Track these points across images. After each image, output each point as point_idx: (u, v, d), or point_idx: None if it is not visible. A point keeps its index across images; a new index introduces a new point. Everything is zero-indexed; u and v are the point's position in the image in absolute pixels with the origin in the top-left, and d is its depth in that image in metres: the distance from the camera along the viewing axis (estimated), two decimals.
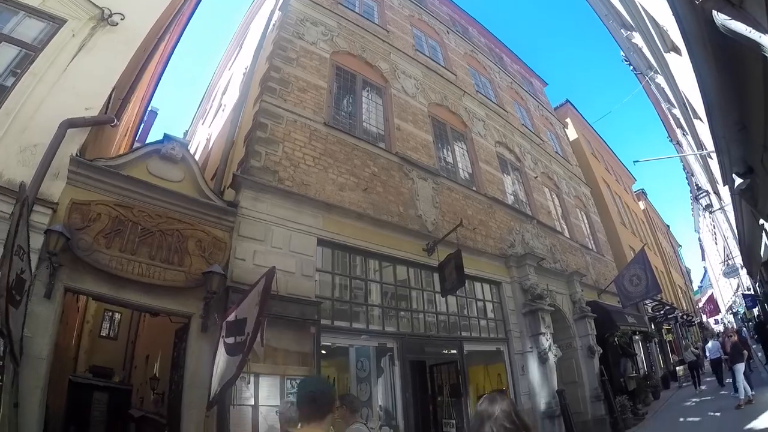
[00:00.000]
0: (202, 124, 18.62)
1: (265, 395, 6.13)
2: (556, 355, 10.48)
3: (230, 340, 5.11)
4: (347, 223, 8.22)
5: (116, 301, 6.16)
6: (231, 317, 5.33)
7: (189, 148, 7.53)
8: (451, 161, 12.43)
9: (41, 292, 5.24)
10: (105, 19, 7.16)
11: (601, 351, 12.78)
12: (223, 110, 13.65)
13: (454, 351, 9.24)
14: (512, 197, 13.96)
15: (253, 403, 6.04)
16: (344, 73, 10.66)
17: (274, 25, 10.21)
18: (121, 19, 7.22)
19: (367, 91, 11.01)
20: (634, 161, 30.01)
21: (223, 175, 7.85)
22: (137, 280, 5.81)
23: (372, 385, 8.33)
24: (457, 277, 8.18)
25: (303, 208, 7.71)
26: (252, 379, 6.11)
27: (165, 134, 6.75)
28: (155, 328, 10.41)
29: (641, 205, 35.01)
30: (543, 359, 10.28)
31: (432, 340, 9.10)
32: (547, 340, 10.45)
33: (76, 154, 5.92)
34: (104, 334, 14.85)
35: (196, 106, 19.66)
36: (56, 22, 6.97)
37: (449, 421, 8.45)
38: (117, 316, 14.96)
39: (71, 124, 5.87)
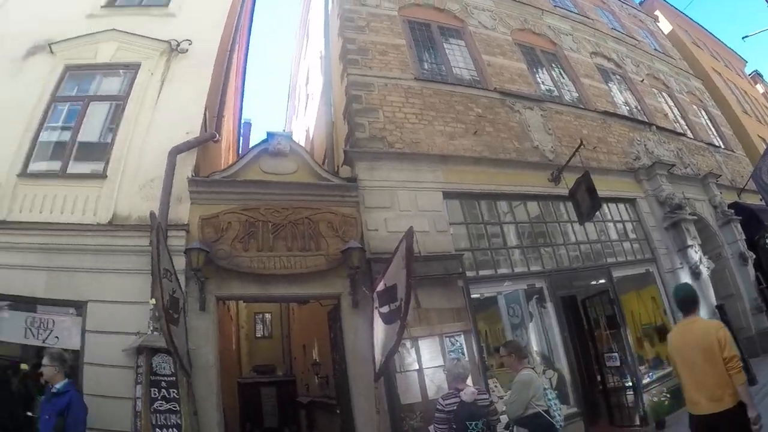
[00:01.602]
0: (296, 119, 18.79)
1: (428, 357, 6.02)
2: (708, 268, 9.27)
3: (384, 309, 5.01)
4: (466, 170, 7.72)
5: (266, 298, 6.42)
6: (380, 287, 5.19)
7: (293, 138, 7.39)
8: (551, 84, 11.29)
9: (195, 306, 5.49)
10: (174, 49, 7.33)
11: (754, 256, 11.18)
12: (312, 99, 13.56)
13: (603, 280, 8.51)
14: (624, 107, 12.47)
15: (417, 367, 5.95)
16: (417, 25, 9.98)
17: (333, 1, 9.87)
18: (189, 45, 7.37)
19: (446, 36, 10.28)
20: (743, 37, 25.64)
21: (332, 156, 7.85)
22: (281, 273, 5.85)
23: (526, 331, 7.87)
24: (590, 200, 7.36)
25: (419, 165, 7.32)
26: (412, 343, 5.98)
27: (267, 132, 6.70)
28: (306, 318, 10.77)
29: (759, 88, 30.22)
30: (695, 274, 9.03)
31: (579, 273, 8.41)
32: (696, 252, 9.24)
33: (192, 175, 6.05)
34: (259, 335, 15.95)
35: (285, 107, 19.82)
36: (132, 68, 7.23)
37: (611, 355, 7.78)
38: (267, 316, 15.85)
39: (178, 150, 6.04)
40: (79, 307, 5.64)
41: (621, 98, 12.69)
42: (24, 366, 5.97)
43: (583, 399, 7.09)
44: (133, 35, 7.56)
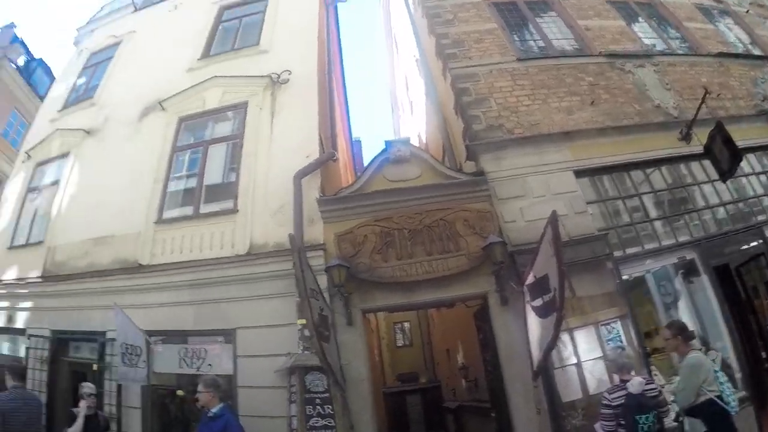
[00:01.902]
0: (404, 129, 18.94)
1: (585, 349, 5.69)
2: None
3: (537, 303, 4.80)
4: (592, 143, 7.23)
5: (411, 306, 6.52)
6: (529, 279, 4.97)
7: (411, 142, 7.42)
8: (655, 36, 10.38)
9: (343, 321, 5.64)
10: (276, 81, 7.72)
11: None
12: (416, 104, 13.71)
13: (756, 242, 7.45)
14: (737, 45, 11.19)
15: (575, 360, 5.64)
16: (503, 5, 9.66)
17: (414, 3, 9.97)
18: (289, 74, 7.75)
19: (535, 10, 9.87)
20: None
21: (452, 153, 7.74)
22: (423, 279, 5.79)
23: (677, 310, 7.14)
24: (729, 153, 6.57)
25: (544, 147, 6.98)
26: (567, 335, 5.64)
27: (385, 141, 6.78)
28: (447, 322, 10.75)
29: None
30: None
31: (729, 237, 7.45)
32: None
33: (320, 196, 6.26)
34: (400, 345, 16.01)
35: (390, 121, 20.11)
36: (240, 108, 7.72)
37: None
38: (406, 325, 15.89)
39: (302, 173, 6.28)
40: (228, 334, 6.05)
41: (731, 36, 11.45)
42: (180, 392, 6.45)
43: (750, 380, 6.33)
44: (234, 77, 8.14)
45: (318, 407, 4.99)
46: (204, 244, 6.57)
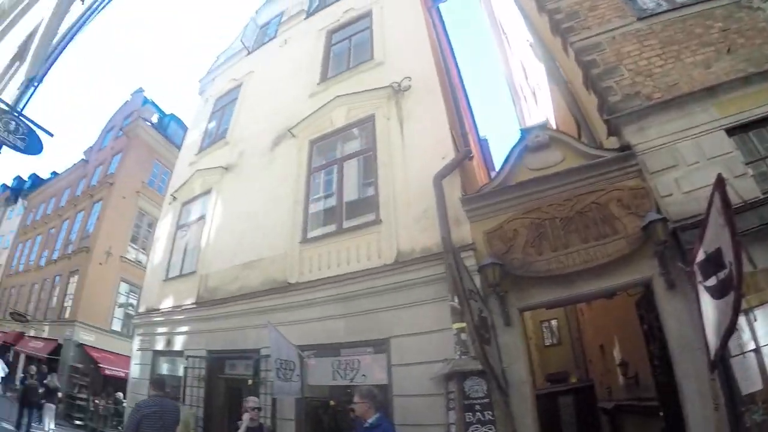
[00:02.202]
0: (530, 117, 18.52)
1: (764, 333, 4.89)
2: None
3: (711, 282, 4.19)
4: (738, 96, 6.40)
5: (570, 300, 6.14)
6: (699, 256, 4.38)
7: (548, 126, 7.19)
8: None
9: (500, 322, 5.47)
10: (398, 90, 7.85)
11: None
12: (538, 89, 13.32)
13: None
14: None
15: (753, 346, 4.86)
16: None
17: None
18: (410, 81, 7.84)
19: None
20: None
21: (588, 132, 7.32)
22: (581, 269, 5.42)
23: None
24: None
25: (687, 108, 6.35)
26: (743, 317, 4.84)
27: (521, 130, 6.61)
28: (600, 316, 10.27)
29: None
30: None
31: None
32: None
33: (462, 195, 6.17)
34: (548, 344, 15.72)
35: (513, 114, 19.58)
36: (368, 121, 7.97)
37: None
38: (554, 323, 15.54)
39: (441, 175, 6.23)
40: (381, 344, 6.12)
41: None
42: (332, 403, 6.71)
43: None
44: (356, 94, 8.47)
45: (478, 413, 4.77)
46: (350, 257, 6.80)
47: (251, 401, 5.83)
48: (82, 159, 31.26)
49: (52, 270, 26.19)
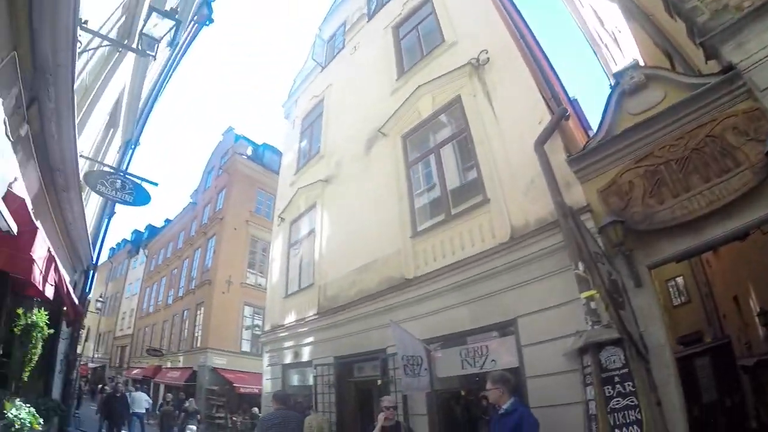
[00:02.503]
0: (615, 65, 17.39)
1: None
2: None
3: None
4: None
5: (701, 248, 5.42)
6: None
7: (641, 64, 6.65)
8: None
9: (630, 284, 5.10)
10: (478, 65, 7.74)
11: None
12: (618, 32, 12.49)
13: None
14: None
15: None
16: None
17: None
18: (487, 53, 7.70)
19: None
20: None
21: (685, 64, 6.69)
22: (708, 212, 4.91)
23: None
24: None
25: None
26: None
27: (614, 74, 6.16)
28: (731, 265, 9.72)
29: None
30: None
31: None
32: None
33: (567, 157, 5.89)
34: (676, 303, 14.87)
35: (599, 66, 18.56)
36: (455, 103, 7.95)
37: None
38: (679, 280, 14.65)
39: (541, 141, 6.00)
40: (508, 326, 5.98)
41: None
42: (463, 392, 6.66)
43: None
44: (436, 80, 8.49)
45: (618, 386, 4.45)
46: (464, 242, 6.79)
47: (386, 400, 5.88)
48: (191, 202, 34.38)
49: (180, 306, 28.87)
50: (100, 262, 43.96)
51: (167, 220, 39.59)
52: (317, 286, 10.28)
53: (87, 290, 12.53)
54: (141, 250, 41.78)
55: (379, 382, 7.80)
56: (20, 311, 5.64)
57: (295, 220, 12.56)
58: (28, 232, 4.26)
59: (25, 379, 5.91)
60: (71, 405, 12.38)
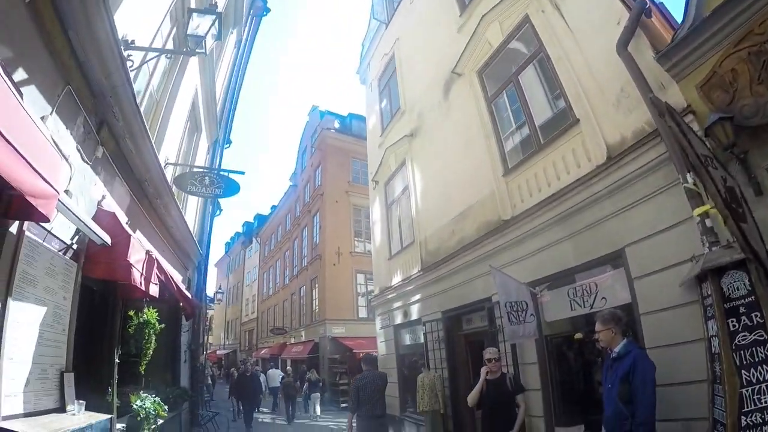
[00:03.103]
0: None
1: None
2: None
3: None
4: None
5: None
6: None
7: None
8: None
9: (749, 193, 4.36)
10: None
11: None
12: None
13: None
14: None
15: None
16: None
17: None
18: None
19: None
20: None
21: None
22: None
23: None
24: None
25: None
26: None
27: None
28: None
29: None
30: None
31: None
32: None
33: (656, 54, 5.25)
34: None
35: None
36: (524, 24, 7.57)
37: None
38: None
39: (624, 42, 5.50)
40: (616, 257, 5.55)
41: None
42: (578, 336, 6.26)
43: None
44: (499, 5, 8.06)
45: (743, 318, 3.80)
46: (558, 171, 6.50)
47: (488, 352, 5.88)
48: (291, 185, 36.45)
49: (296, 284, 30.98)
50: (217, 258, 48.35)
51: (273, 207, 42.34)
52: (418, 242, 10.50)
53: (202, 285, 13.90)
54: (254, 239, 45.27)
55: (488, 332, 7.85)
56: (131, 312, 6.39)
57: (389, 180, 12.88)
58: (122, 241, 4.77)
59: (143, 372, 6.67)
60: (200, 390, 13.75)
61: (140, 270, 5.01)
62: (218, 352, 48.63)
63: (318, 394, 18.15)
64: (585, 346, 6.31)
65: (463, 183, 8.82)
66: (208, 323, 28.31)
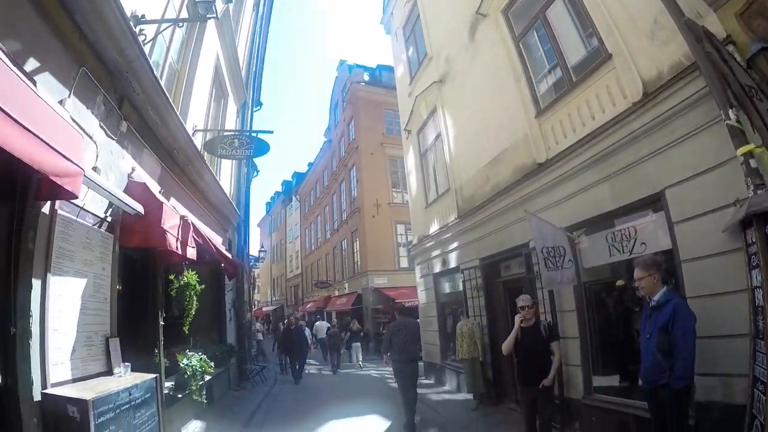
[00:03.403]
0: None
1: None
2: None
3: None
4: None
5: None
6: None
7: None
8: None
9: None
10: None
11: None
12: None
13: None
14: None
15: None
16: None
17: None
18: None
19: None
20: None
21: None
22: None
23: None
24: None
25: None
26: None
27: None
28: None
29: None
30: None
31: None
32: None
33: None
34: None
35: None
36: None
37: None
38: None
39: None
40: (656, 200, 5.28)
41: None
42: (619, 283, 6.09)
43: None
44: None
45: None
46: (593, 111, 6.18)
47: (521, 300, 5.74)
48: (326, 141, 36.52)
49: (337, 237, 31.51)
50: (259, 219, 49.45)
51: (310, 164, 42.58)
52: (453, 189, 10.44)
53: (243, 245, 14.22)
54: (293, 197, 45.86)
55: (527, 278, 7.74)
56: (171, 276, 6.60)
57: (421, 128, 12.73)
58: (155, 209, 4.91)
59: (187, 332, 6.91)
60: (247, 346, 14.16)
61: (175, 235, 5.17)
62: (264, 309, 50.29)
63: (359, 344, 18.81)
64: (624, 294, 6.15)
65: (495, 127, 8.58)
66: (253, 282, 29.26)
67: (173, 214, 5.39)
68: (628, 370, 5.96)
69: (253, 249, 26.39)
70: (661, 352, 3.89)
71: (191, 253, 5.67)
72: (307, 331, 19.10)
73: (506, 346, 5.73)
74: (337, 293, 30.95)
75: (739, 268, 4.04)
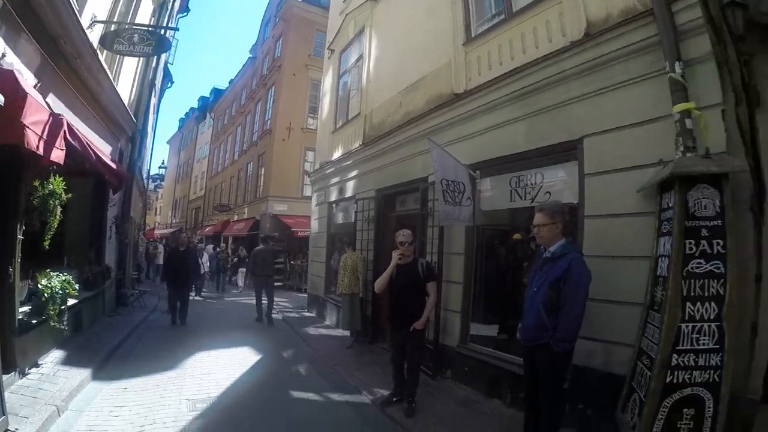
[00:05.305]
0: None
1: None
2: None
3: None
4: None
5: None
6: None
7: None
8: None
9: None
10: None
11: None
12: None
13: None
14: None
15: None
16: None
17: None
18: None
19: None
20: None
21: None
22: None
23: None
24: None
25: None
26: None
27: None
28: None
29: None
30: None
31: None
32: None
33: None
34: None
35: None
36: None
37: None
38: None
39: None
40: (572, 148, 4.75)
41: None
42: (517, 236, 5.81)
43: None
44: None
45: (704, 242, 3.21)
46: (526, 44, 5.47)
47: (400, 235, 5.15)
48: (250, 57, 33.43)
49: (244, 160, 29.70)
50: (170, 135, 45.45)
51: (231, 81, 39.04)
52: (363, 114, 9.56)
53: (137, 156, 12.42)
54: (208, 115, 42.18)
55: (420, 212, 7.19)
56: (36, 183, 5.27)
57: (345, 49, 11.61)
58: (17, 101, 4.01)
59: (46, 248, 5.59)
60: (127, 268, 12.67)
61: (38, 133, 4.29)
62: (159, 231, 44.87)
63: (244, 269, 18.15)
64: (518, 245, 5.84)
65: (420, 52, 7.68)
66: (147, 199, 26.80)
67: (40, 108, 4.38)
68: (509, 324, 5.70)
69: (156, 167, 24.10)
70: (547, 309, 3.42)
71: (58, 156, 4.67)
72: (205, 257, 17.67)
73: (379, 283, 5.19)
74: (236, 218, 29.25)
75: (646, 234, 3.78)
